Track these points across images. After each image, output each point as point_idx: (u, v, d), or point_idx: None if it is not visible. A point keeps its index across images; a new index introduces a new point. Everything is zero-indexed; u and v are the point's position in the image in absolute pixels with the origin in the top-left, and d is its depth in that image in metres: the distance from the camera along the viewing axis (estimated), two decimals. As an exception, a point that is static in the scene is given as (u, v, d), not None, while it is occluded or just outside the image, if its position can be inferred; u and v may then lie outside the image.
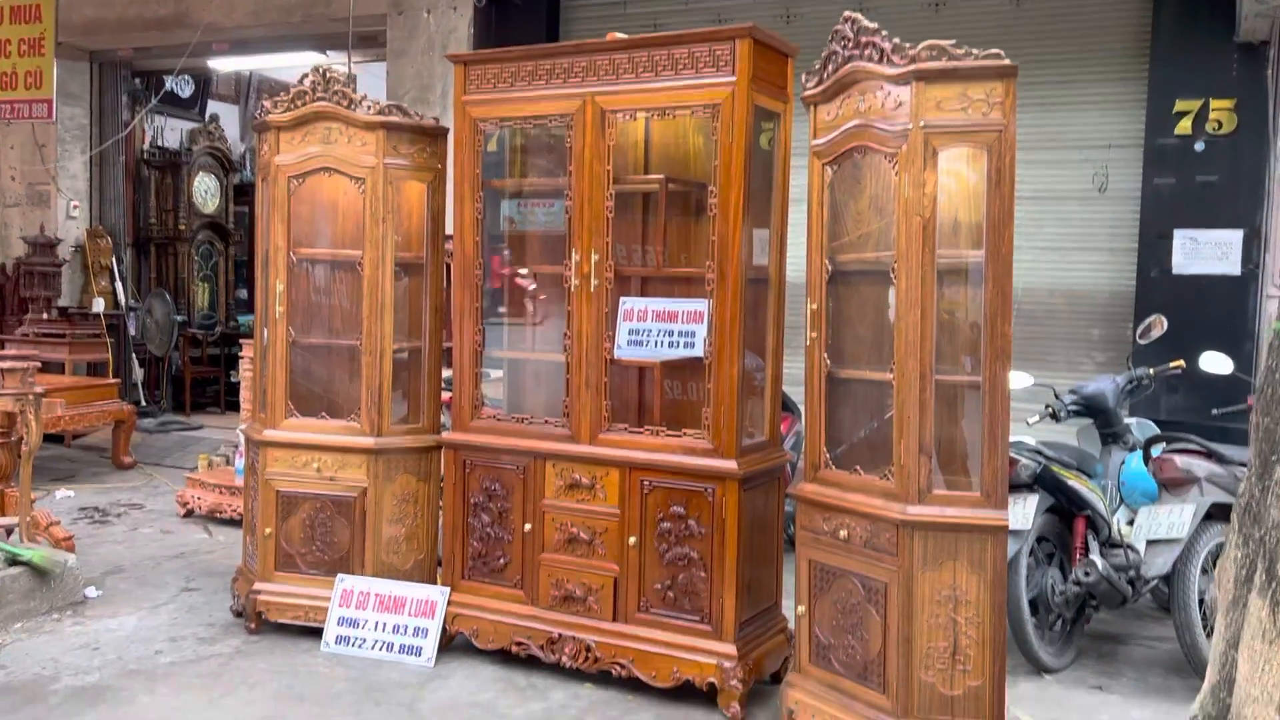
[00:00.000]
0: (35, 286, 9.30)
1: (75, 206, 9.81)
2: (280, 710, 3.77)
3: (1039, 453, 4.27)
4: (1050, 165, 6.59)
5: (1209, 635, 4.10)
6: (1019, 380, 4.55)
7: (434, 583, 4.46)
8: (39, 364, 5.05)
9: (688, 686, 3.81)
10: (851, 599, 3.42)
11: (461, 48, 7.66)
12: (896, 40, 3.25)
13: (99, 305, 9.44)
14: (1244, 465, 4.26)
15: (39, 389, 4.87)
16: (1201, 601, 4.19)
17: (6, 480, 5.06)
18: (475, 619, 4.21)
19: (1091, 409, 4.76)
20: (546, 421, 4.13)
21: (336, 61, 8.42)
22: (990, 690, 3.22)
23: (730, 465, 3.75)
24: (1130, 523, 4.51)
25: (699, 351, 3.89)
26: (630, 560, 3.93)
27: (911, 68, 3.17)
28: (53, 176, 9.61)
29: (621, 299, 4.10)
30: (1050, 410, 4.68)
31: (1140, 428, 4.93)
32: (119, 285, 9.72)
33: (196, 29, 8.61)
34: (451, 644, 4.30)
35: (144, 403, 9.70)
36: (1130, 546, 4.36)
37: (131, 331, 9.77)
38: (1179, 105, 6.19)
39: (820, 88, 3.51)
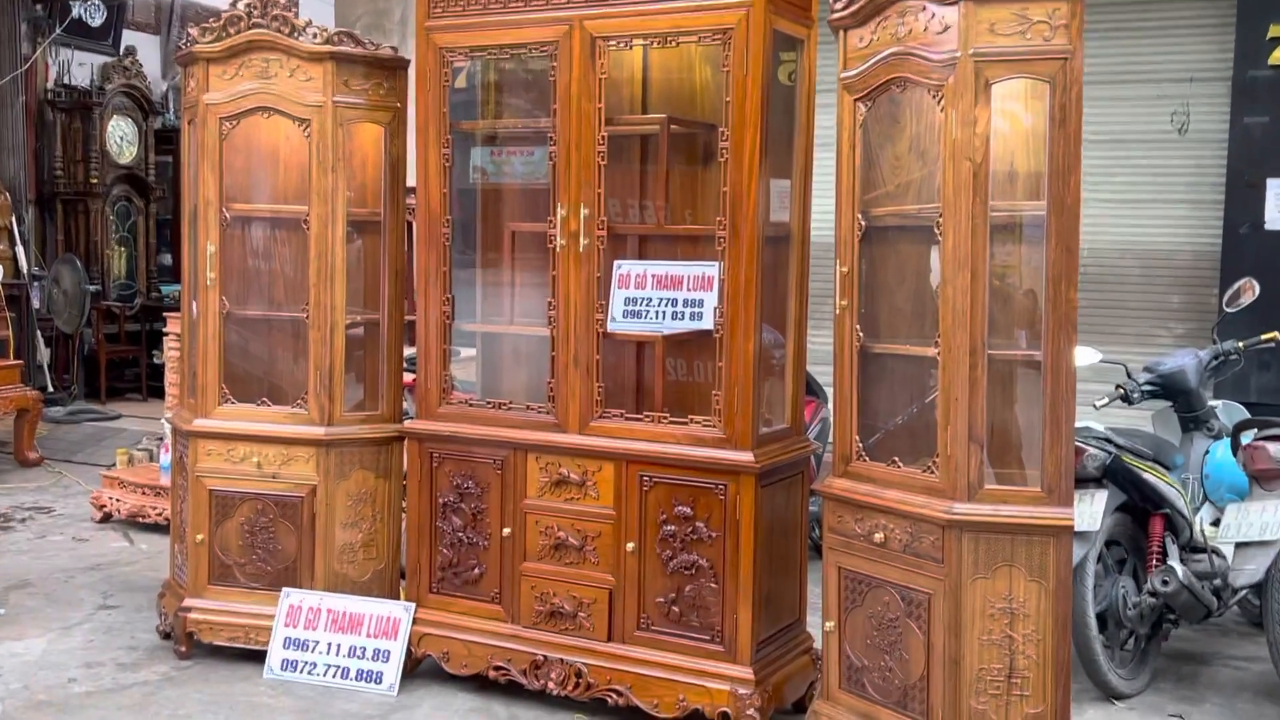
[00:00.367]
0: (-81, 252, 9.28)
1: (-35, 157, 9.77)
2: (217, 748, 3.79)
3: (1108, 441, 4.28)
4: (1120, 103, 6.58)
5: (1308, 654, 4.12)
6: (1084, 356, 4.54)
7: (397, 597, 4.46)
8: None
9: (696, 717, 3.82)
10: (889, 613, 3.42)
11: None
12: (942, -49, 3.22)
13: (-4, 273, 9.42)
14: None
15: (-73, 372, 4.86)
16: (1300, 614, 4.20)
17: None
18: (446, 639, 4.22)
19: (1170, 389, 4.76)
20: (528, 407, 4.13)
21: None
22: (1052, 719, 3.23)
23: (745, 457, 3.74)
24: (1216, 523, 4.52)
25: (708, 324, 3.88)
26: (628, 569, 3.93)
27: (960, -17, 3.15)
28: (-61, 121, 9.56)
29: (616, 262, 4.09)
30: (1121, 391, 4.68)
31: (1227, 411, 4.93)
32: (20, 250, 9.67)
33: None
34: (418, 669, 4.31)
35: (51, 388, 9.69)
36: (1216, 550, 4.37)
37: (36, 304, 9.73)
38: (1274, 30, 6.17)
39: (851, 9, 3.48)
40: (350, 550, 4.47)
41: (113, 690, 4.22)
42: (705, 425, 3.83)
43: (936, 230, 3.28)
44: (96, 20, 11.01)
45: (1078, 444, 4.12)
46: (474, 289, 4.55)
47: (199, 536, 4.47)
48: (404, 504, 4.46)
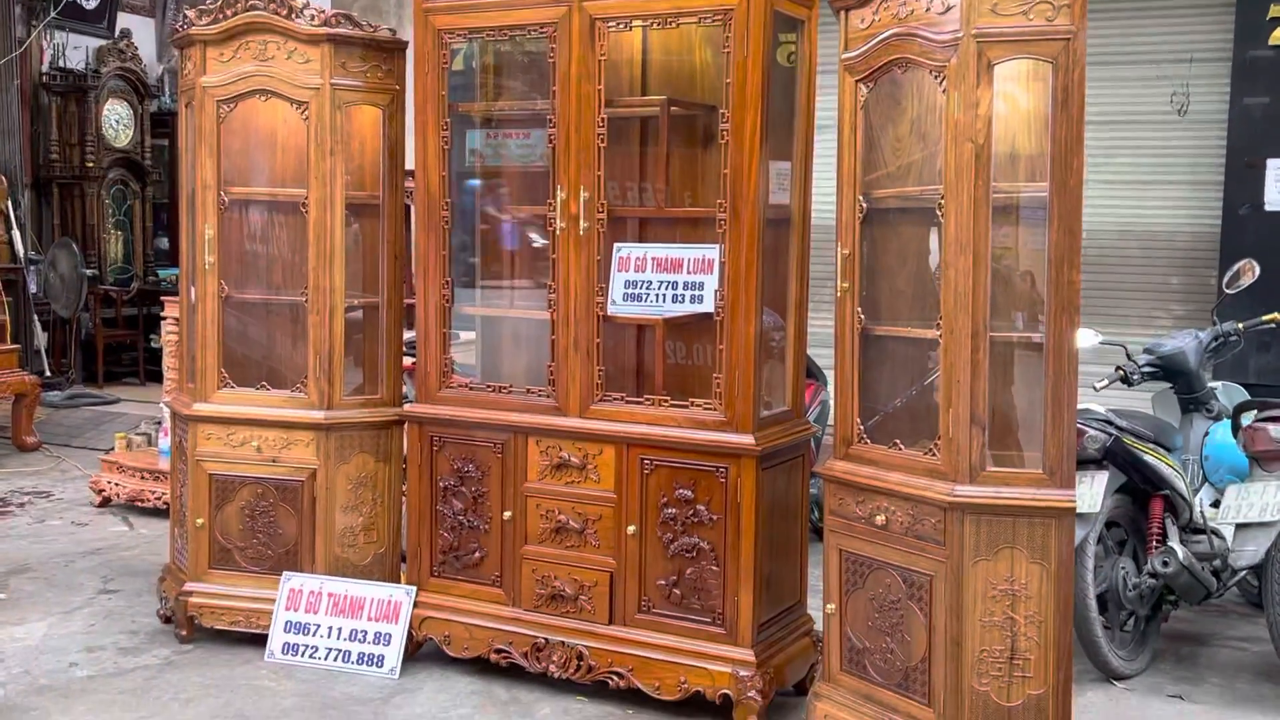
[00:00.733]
0: (-85, 236, 9.25)
1: (-39, 141, 9.73)
2: (219, 731, 3.79)
3: (1109, 422, 4.28)
4: (1120, 83, 6.55)
5: (1308, 634, 4.13)
6: (1084, 338, 4.53)
7: (397, 581, 4.47)
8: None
9: (697, 699, 3.83)
10: (890, 595, 3.42)
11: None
12: (944, -69, 3.20)
13: (-8, 258, 9.39)
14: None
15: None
16: (1300, 595, 4.21)
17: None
18: (447, 623, 4.22)
19: (1170, 371, 4.76)
20: (528, 391, 4.12)
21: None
22: (1054, 700, 3.24)
23: (746, 440, 3.74)
24: (1216, 504, 4.52)
25: (708, 306, 3.88)
26: (629, 552, 3.93)
27: (962, -38, 3.13)
28: (-66, 104, 9.52)
29: (616, 245, 4.08)
30: (1121, 373, 4.68)
31: (1227, 392, 4.93)
32: (15, 234, 9.64)
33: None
34: (419, 652, 4.32)
35: (49, 373, 9.67)
36: (1216, 531, 4.38)
37: (32, 289, 9.71)
38: (1274, 10, 6.15)
39: (852, -11, 3.47)
40: (351, 534, 4.47)
41: (114, 674, 4.23)
42: (706, 408, 3.83)
43: (938, 212, 3.27)
44: (91, 3, 10.95)
45: (1078, 426, 4.12)
46: (474, 272, 4.54)
47: (199, 520, 4.46)
48: (404, 488, 4.46)
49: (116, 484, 6.51)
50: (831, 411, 3.69)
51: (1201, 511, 4.46)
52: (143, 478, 6.43)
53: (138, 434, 6.97)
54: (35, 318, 9.79)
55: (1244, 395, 4.96)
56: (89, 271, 9.71)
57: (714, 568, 3.83)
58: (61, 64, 10.53)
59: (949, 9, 3.18)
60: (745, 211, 3.72)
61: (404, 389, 4.66)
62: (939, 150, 3.29)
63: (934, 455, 3.31)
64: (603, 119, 3.90)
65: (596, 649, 3.96)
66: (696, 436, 3.82)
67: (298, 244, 4.51)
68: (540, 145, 4.13)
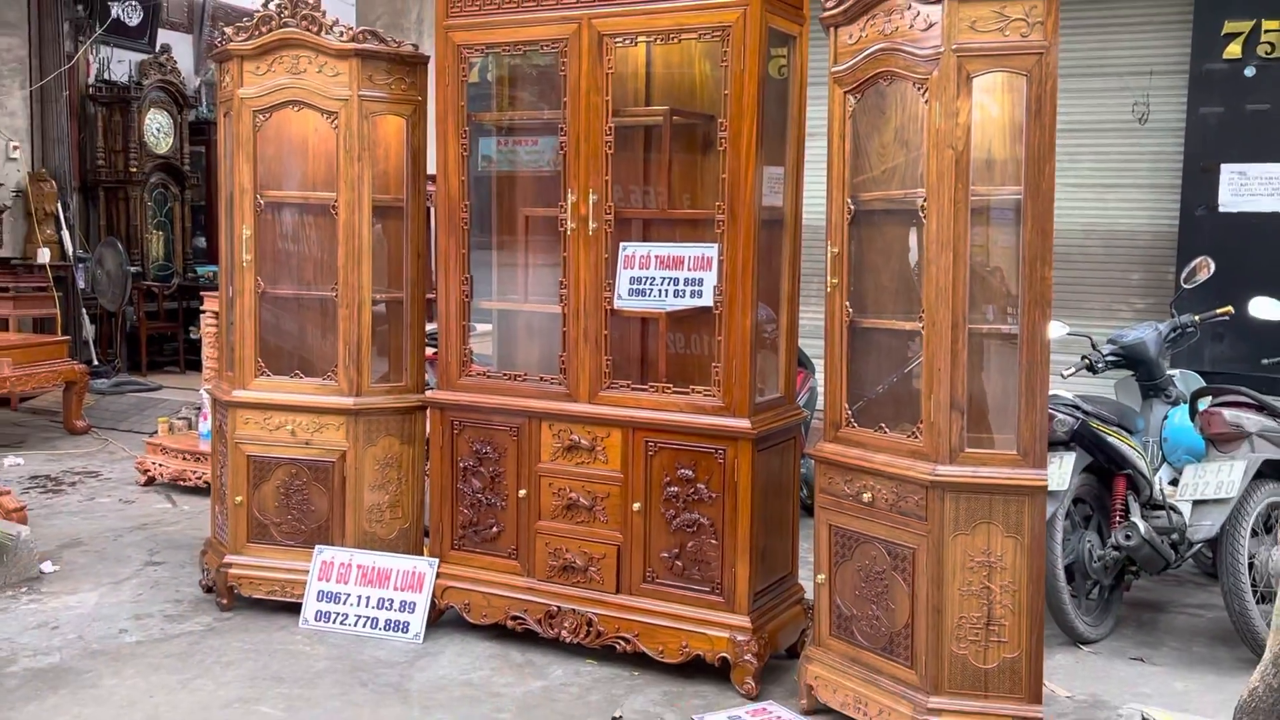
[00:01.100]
0: (-27, 236, 9.23)
1: (15, 148, 9.69)
2: (257, 692, 3.79)
3: (1076, 407, 4.28)
4: (1086, 94, 6.54)
5: (1260, 602, 4.14)
6: (1053, 330, 4.52)
7: (420, 553, 4.47)
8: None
9: (698, 662, 3.84)
10: (876, 566, 3.43)
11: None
12: (926, -46, 3.19)
13: (44, 256, 9.37)
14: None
15: (-16, 347, 4.84)
16: (1251, 566, 4.21)
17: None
18: (467, 592, 4.23)
19: (1131, 360, 4.76)
20: (541, 378, 4.12)
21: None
22: (1027, 663, 3.25)
23: (742, 424, 3.74)
24: (1174, 482, 4.52)
25: (707, 301, 3.87)
26: (634, 527, 3.94)
27: (943, -16, 3.12)
28: (-11, 114, 9.50)
29: (622, 244, 4.07)
30: (1087, 361, 4.68)
31: (1184, 379, 4.93)
32: (65, 234, 9.64)
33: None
34: (441, 619, 4.32)
35: (96, 362, 9.66)
36: (1174, 508, 4.38)
37: (81, 284, 9.70)
38: (1228, 26, 6.13)
39: (841, 8, 3.46)
40: (378, 510, 4.48)
41: (161, 640, 4.23)
42: (705, 395, 3.83)
43: (920, 213, 3.26)
44: (134, 20, 10.92)
45: (1049, 410, 4.12)
46: (490, 269, 4.53)
47: (238, 498, 4.47)
48: (427, 468, 4.46)
49: (160, 464, 6.50)
50: (820, 397, 3.69)
51: (1161, 489, 4.46)
52: (184, 459, 6.42)
53: (179, 418, 6.97)
54: (84, 311, 9.79)
55: (1200, 382, 4.96)
56: (133, 268, 9.69)
57: (713, 541, 3.83)
58: (106, 77, 10.50)
59: (931, 26, 3.17)
60: (742, 213, 3.71)
61: (426, 377, 4.65)
62: (921, 156, 3.29)
63: (916, 438, 3.31)
64: (610, 127, 3.89)
65: (605, 616, 3.97)
66: (697, 421, 3.82)
67: (328, 243, 4.50)
68: (549, 151, 4.12)
